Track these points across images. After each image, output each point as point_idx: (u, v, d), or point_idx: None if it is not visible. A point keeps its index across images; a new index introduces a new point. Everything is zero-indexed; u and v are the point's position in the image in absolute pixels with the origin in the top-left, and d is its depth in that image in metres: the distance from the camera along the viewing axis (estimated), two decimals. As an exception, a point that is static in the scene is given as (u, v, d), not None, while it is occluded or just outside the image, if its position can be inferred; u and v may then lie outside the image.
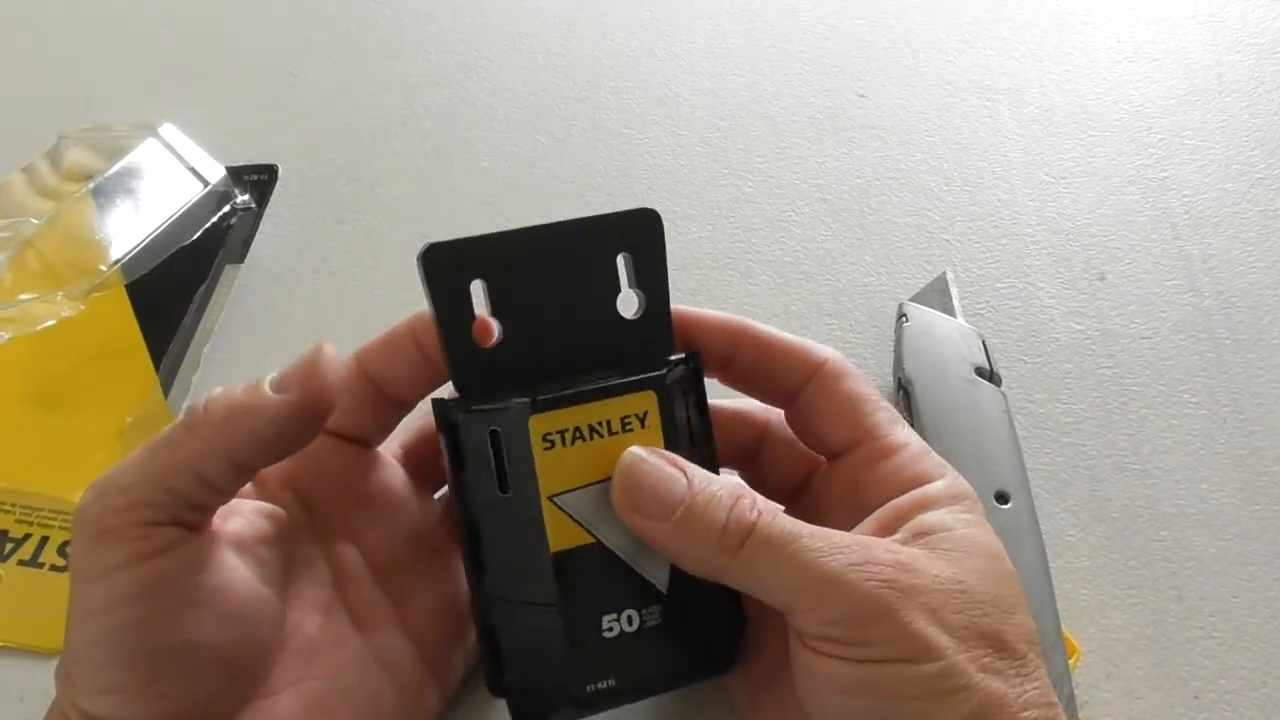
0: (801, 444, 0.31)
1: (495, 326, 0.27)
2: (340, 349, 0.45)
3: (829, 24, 0.58)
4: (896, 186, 0.49)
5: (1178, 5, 0.57)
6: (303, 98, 0.57)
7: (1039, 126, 0.51)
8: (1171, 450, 0.39)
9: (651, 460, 0.26)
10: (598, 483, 0.26)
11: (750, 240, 0.48)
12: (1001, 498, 0.35)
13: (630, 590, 0.27)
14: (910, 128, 0.52)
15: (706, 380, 0.29)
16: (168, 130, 0.51)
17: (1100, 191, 0.48)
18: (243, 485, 0.26)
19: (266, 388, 0.25)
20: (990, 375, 0.39)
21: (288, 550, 0.28)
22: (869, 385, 0.30)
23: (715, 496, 0.25)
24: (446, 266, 0.26)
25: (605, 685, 0.27)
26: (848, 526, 0.27)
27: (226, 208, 0.51)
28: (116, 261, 0.47)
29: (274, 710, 0.26)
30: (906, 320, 0.41)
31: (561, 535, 0.26)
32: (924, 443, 0.29)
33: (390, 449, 0.31)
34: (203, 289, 0.47)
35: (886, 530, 0.26)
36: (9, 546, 0.40)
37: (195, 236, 0.49)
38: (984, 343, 0.40)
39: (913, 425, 0.38)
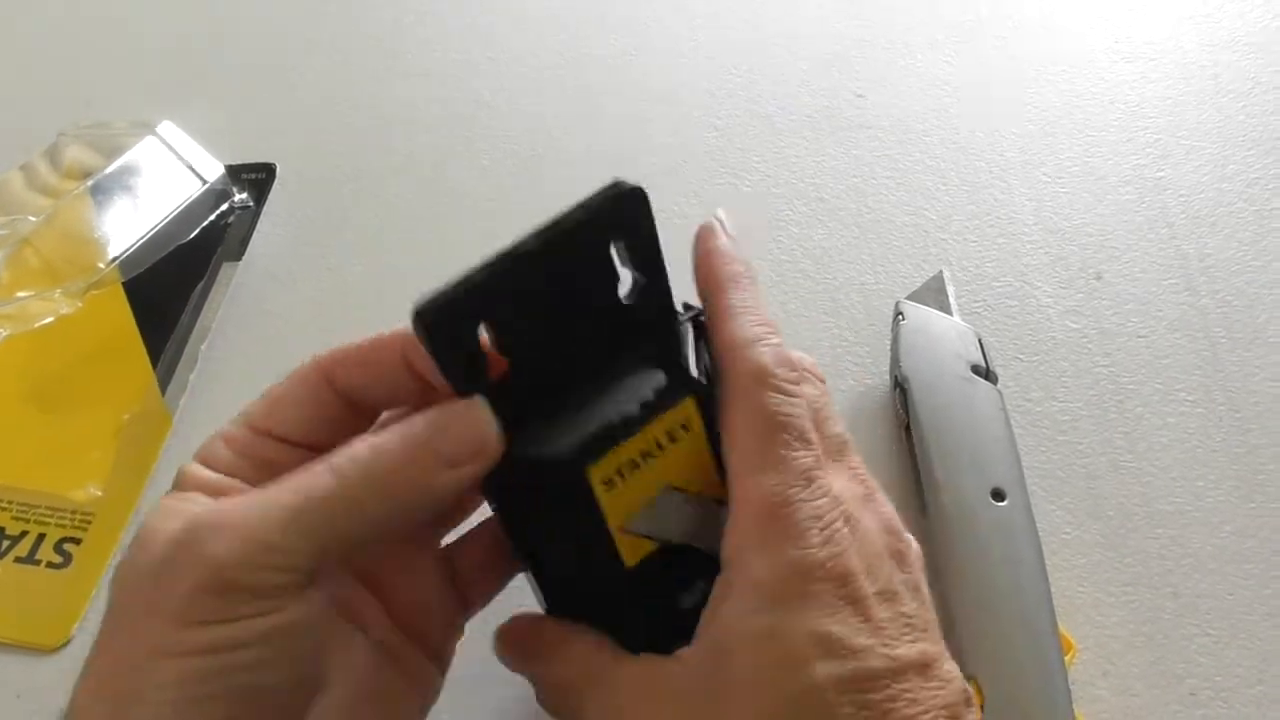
0: None
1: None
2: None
3: (827, 24, 0.58)
4: (893, 186, 0.50)
5: (1174, 6, 0.57)
6: (301, 97, 0.57)
7: (1036, 126, 0.52)
8: (1168, 448, 0.39)
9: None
10: (656, 495, 0.27)
11: (749, 239, 0.48)
12: (998, 495, 0.35)
13: (696, 565, 0.27)
14: (907, 127, 0.52)
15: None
16: (166, 128, 0.51)
17: (1097, 191, 0.48)
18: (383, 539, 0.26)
19: (427, 450, 0.24)
20: (987, 373, 0.39)
21: None
22: (758, 414, 0.26)
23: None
24: (447, 325, 0.24)
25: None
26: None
27: (224, 206, 0.51)
28: (114, 259, 0.47)
29: None
30: (903, 319, 0.41)
31: (634, 550, 0.27)
32: (779, 492, 0.25)
33: None
34: (200, 287, 0.47)
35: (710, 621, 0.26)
36: (6, 544, 0.40)
37: (193, 234, 0.49)
38: (980, 341, 0.40)
39: (909, 423, 0.38)
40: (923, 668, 0.24)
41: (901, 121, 0.52)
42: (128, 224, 0.48)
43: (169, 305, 0.47)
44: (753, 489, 0.25)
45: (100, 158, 0.50)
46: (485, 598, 0.31)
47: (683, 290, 0.29)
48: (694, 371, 0.27)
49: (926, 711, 0.23)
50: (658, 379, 0.26)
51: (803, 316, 0.45)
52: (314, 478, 0.24)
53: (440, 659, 0.29)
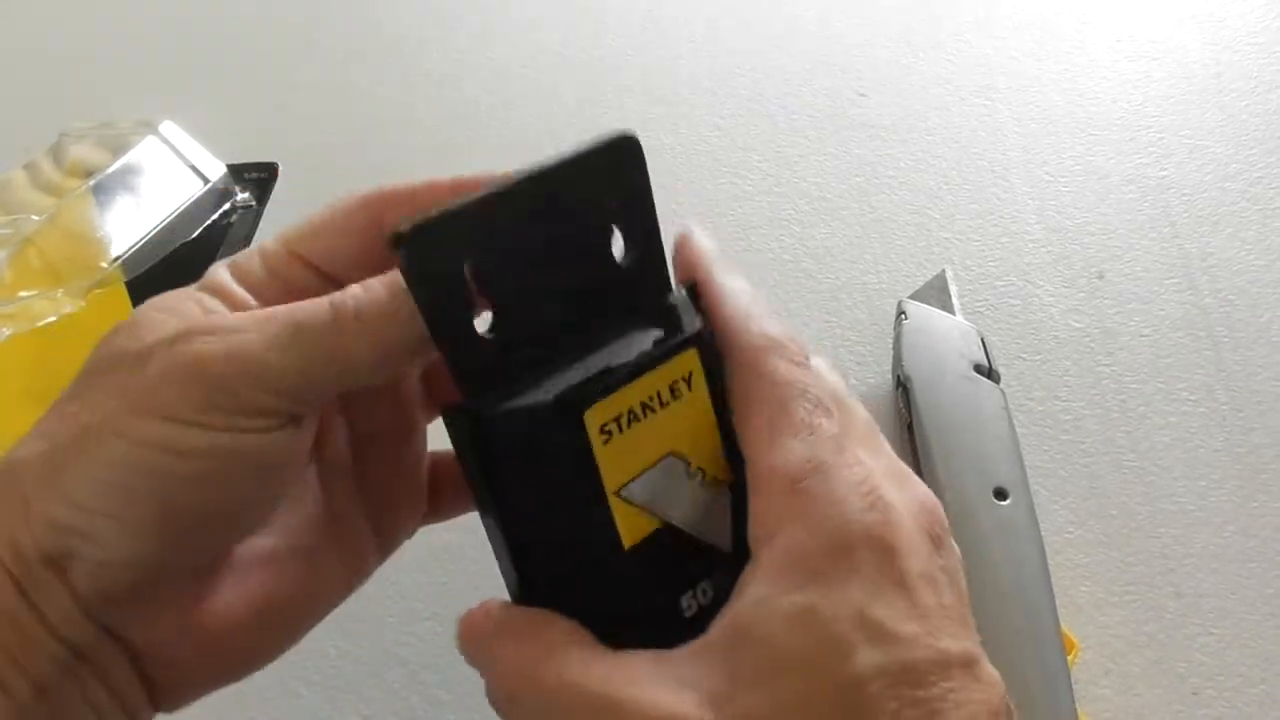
0: None
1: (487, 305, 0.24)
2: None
3: (829, 23, 0.58)
4: (896, 185, 0.50)
5: (1177, 5, 0.57)
6: (303, 96, 0.57)
7: (1038, 125, 0.52)
8: (1170, 448, 0.39)
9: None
10: (657, 462, 0.24)
11: (749, 238, 0.48)
12: (1000, 494, 0.35)
13: (699, 561, 0.25)
14: (910, 127, 0.52)
15: None
16: (168, 128, 0.51)
17: (1099, 190, 0.48)
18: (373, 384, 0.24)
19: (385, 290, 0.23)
20: (989, 372, 0.39)
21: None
22: (776, 387, 0.25)
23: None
24: (431, 253, 0.22)
25: None
26: None
27: (227, 205, 0.51)
28: (117, 259, 0.47)
29: (236, 561, 0.24)
30: (905, 318, 0.41)
31: (632, 527, 0.24)
32: (805, 463, 0.23)
33: None
34: (203, 286, 0.47)
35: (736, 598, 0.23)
36: (9, 542, 0.40)
37: (195, 234, 0.49)
38: (983, 340, 0.40)
39: (912, 422, 0.38)
40: (968, 665, 0.21)
41: (904, 121, 0.52)
42: (130, 223, 0.48)
43: (171, 304, 0.47)
44: (778, 458, 0.23)
45: (103, 157, 0.50)
46: (452, 513, 0.29)
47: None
48: (702, 326, 0.25)
49: (973, 717, 0.21)
50: (655, 334, 0.25)
51: (804, 315, 0.45)
52: (312, 307, 0.23)
53: (384, 541, 0.28)
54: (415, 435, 0.29)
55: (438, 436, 0.27)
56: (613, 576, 0.24)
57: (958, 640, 0.21)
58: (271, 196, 0.52)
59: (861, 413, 0.25)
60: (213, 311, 0.23)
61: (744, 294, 0.26)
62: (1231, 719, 0.33)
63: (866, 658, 0.20)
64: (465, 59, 0.58)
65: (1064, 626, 0.33)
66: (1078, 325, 0.43)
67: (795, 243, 0.47)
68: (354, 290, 0.23)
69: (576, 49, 0.58)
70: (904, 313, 0.41)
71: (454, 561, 0.38)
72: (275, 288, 0.25)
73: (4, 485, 0.22)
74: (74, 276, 0.45)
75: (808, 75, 0.55)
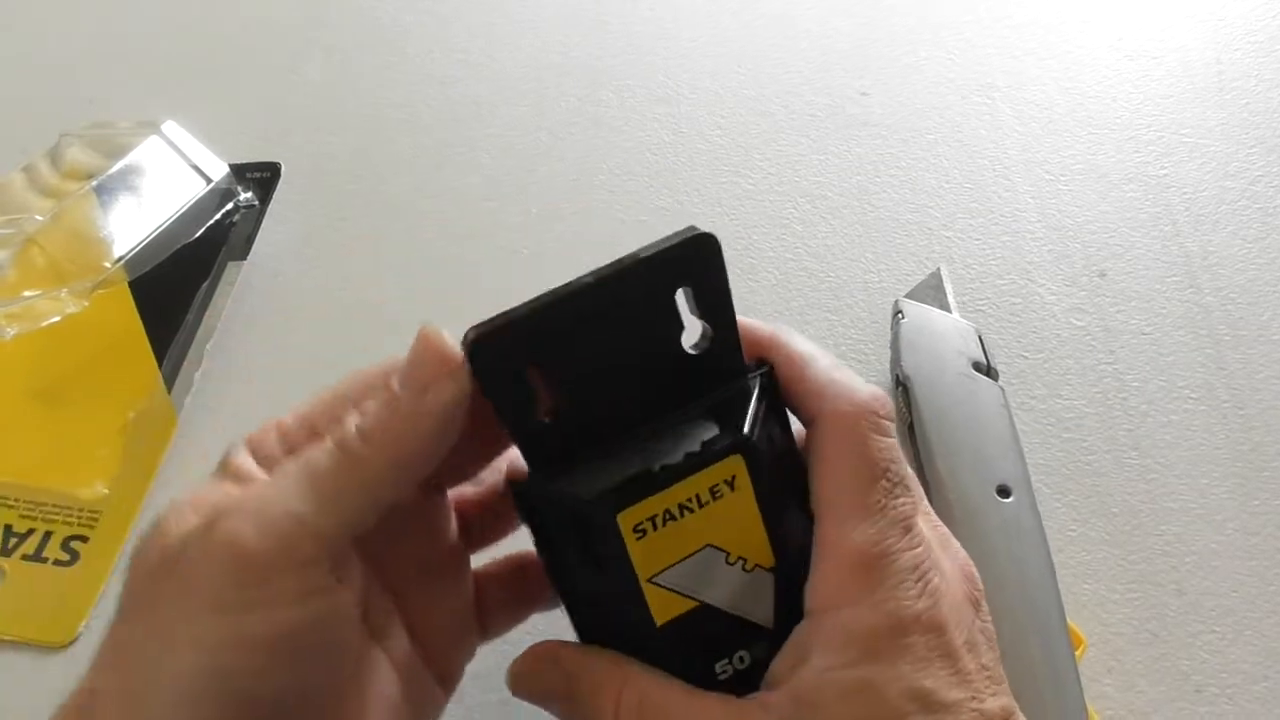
0: None
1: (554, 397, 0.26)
2: (342, 345, 0.45)
3: (830, 22, 0.58)
4: (897, 184, 0.50)
5: (1177, 3, 0.57)
6: (306, 96, 0.57)
7: (1039, 124, 0.52)
8: (1172, 445, 0.39)
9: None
10: (695, 553, 0.26)
11: (751, 237, 0.48)
12: (1003, 492, 0.35)
13: (737, 633, 0.26)
14: (911, 125, 0.52)
15: None
16: (171, 128, 0.51)
17: (1100, 188, 0.49)
18: (400, 500, 0.25)
19: (401, 389, 0.24)
20: (988, 370, 0.39)
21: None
22: (859, 458, 0.26)
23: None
24: (496, 359, 0.24)
25: None
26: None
27: (229, 205, 0.51)
28: (120, 259, 0.47)
29: None
30: (903, 317, 0.41)
31: (665, 607, 0.26)
32: (878, 542, 0.25)
33: None
34: (205, 286, 0.47)
35: (799, 660, 0.25)
36: (13, 541, 0.40)
37: (198, 234, 0.50)
38: (980, 337, 0.40)
39: (912, 422, 0.38)
40: (1006, 719, 0.24)
41: (905, 119, 0.53)
42: (133, 224, 0.48)
43: (174, 304, 0.47)
44: (848, 537, 0.24)
45: (104, 157, 0.50)
46: (505, 628, 0.30)
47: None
48: (751, 430, 0.25)
49: None
50: (710, 431, 0.25)
51: (807, 314, 0.45)
52: (316, 451, 0.24)
53: (448, 682, 0.29)
54: (458, 575, 0.29)
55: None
56: (646, 647, 0.26)
57: (996, 698, 0.24)
58: (274, 196, 0.52)
59: (907, 471, 0.27)
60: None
61: (822, 358, 0.27)
62: (1234, 716, 0.33)
63: None
64: (467, 59, 0.58)
65: (1070, 622, 0.33)
66: (1079, 323, 0.43)
67: (797, 241, 0.48)
68: (351, 420, 0.24)
69: (578, 49, 0.58)
70: (901, 312, 0.41)
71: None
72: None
73: None
74: (78, 276, 0.46)
75: (809, 74, 0.55)
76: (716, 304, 0.26)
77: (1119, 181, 0.49)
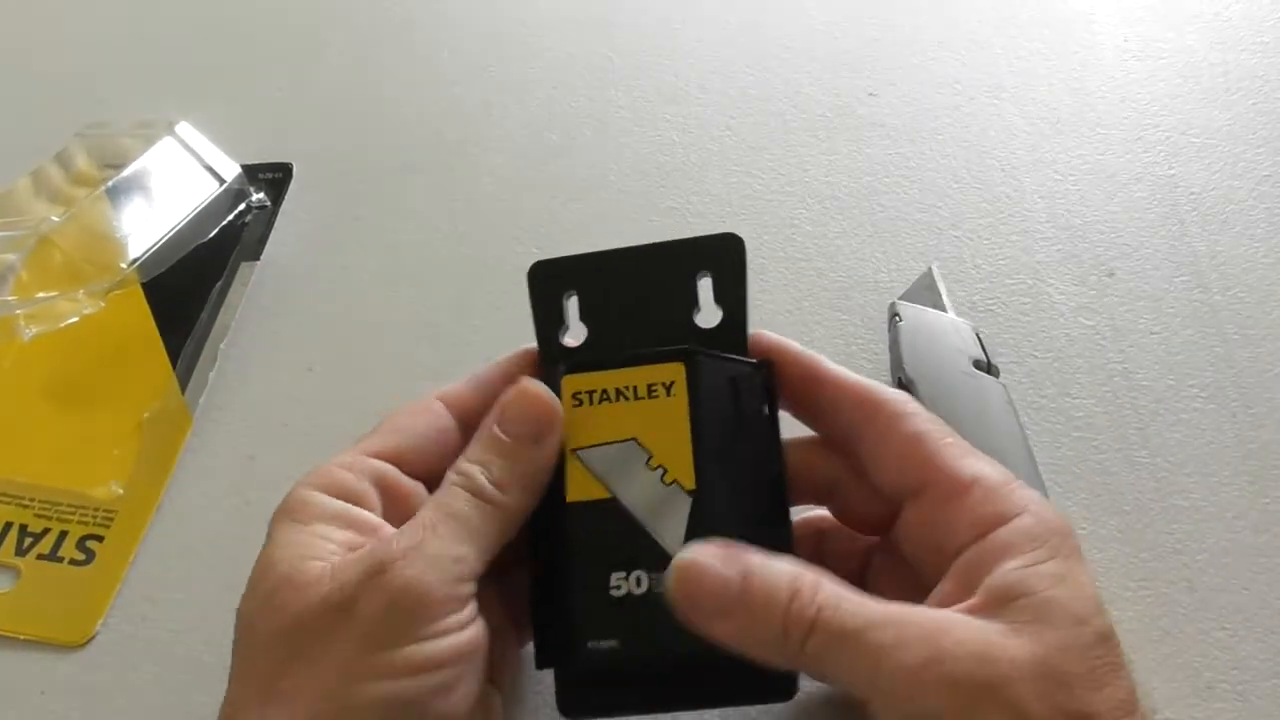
0: None
1: (583, 330, 0.31)
2: (355, 346, 0.45)
3: (838, 23, 0.58)
4: (906, 184, 0.50)
5: (1184, 4, 0.57)
6: (317, 97, 0.58)
7: (1047, 125, 0.52)
8: (1182, 444, 0.39)
9: (704, 561, 0.25)
10: (619, 441, 0.28)
11: (761, 238, 0.48)
12: (1014, 490, 0.35)
13: (643, 551, 0.27)
14: (919, 126, 0.52)
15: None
16: (184, 129, 0.51)
17: (1108, 189, 0.49)
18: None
19: (514, 441, 0.28)
20: (988, 367, 0.39)
21: None
22: (933, 421, 0.29)
23: (771, 593, 0.24)
24: (546, 281, 0.31)
25: (607, 646, 0.27)
26: (932, 572, 0.27)
27: (242, 206, 0.51)
28: (135, 260, 0.47)
29: None
30: (900, 320, 0.41)
31: (580, 486, 0.28)
32: (1004, 472, 0.28)
33: None
34: (219, 286, 0.48)
35: (966, 588, 0.25)
36: (29, 541, 0.40)
37: (211, 234, 0.50)
38: (978, 335, 0.40)
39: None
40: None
41: (914, 120, 0.53)
42: (146, 225, 0.48)
43: (188, 305, 0.47)
44: (978, 469, 0.28)
45: (116, 159, 0.50)
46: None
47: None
48: (702, 354, 0.29)
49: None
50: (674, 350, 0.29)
51: (816, 314, 0.45)
52: (456, 501, 0.27)
53: (508, 694, 0.31)
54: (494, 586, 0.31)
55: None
56: (552, 523, 0.28)
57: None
58: (286, 196, 0.52)
59: None
60: (337, 540, 0.27)
61: (843, 370, 0.31)
62: (1246, 713, 0.33)
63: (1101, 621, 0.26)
64: (478, 59, 0.59)
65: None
66: (1088, 323, 0.44)
67: (807, 241, 0.48)
68: (474, 472, 0.28)
69: (587, 49, 0.58)
70: (898, 314, 0.41)
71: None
72: (370, 493, 0.29)
73: None
74: (94, 277, 0.46)
75: (818, 75, 0.55)
76: (731, 294, 0.30)
77: (1127, 182, 0.49)
